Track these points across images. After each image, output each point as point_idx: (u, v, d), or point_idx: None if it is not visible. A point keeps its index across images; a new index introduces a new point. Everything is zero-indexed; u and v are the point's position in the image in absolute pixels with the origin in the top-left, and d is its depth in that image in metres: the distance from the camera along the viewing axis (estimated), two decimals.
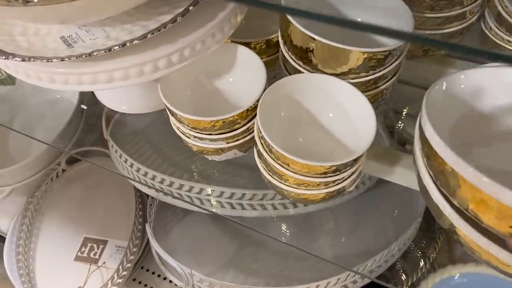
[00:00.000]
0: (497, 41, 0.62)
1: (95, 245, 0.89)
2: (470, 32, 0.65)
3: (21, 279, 0.84)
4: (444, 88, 0.47)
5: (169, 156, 0.71)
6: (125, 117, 0.74)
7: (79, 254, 0.88)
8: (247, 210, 0.65)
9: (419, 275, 0.66)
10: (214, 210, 0.63)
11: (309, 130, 0.54)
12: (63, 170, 0.98)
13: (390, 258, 0.65)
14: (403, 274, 0.67)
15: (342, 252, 0.66)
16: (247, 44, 0.58)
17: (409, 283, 0.66)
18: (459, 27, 0.63)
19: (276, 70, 0.67)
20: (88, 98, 0.88)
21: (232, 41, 0.58)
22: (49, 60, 0.44)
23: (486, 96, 0.51)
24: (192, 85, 0.57)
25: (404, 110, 0.77)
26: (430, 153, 0.40)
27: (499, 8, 0.59)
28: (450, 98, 0.48)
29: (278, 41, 0.61)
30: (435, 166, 0.39)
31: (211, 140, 0.52)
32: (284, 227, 0.69)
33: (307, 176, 0.46)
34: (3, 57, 0.45)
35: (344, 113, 0.52)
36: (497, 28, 0.62)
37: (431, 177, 0.41)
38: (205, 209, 0.63)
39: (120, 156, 0.70)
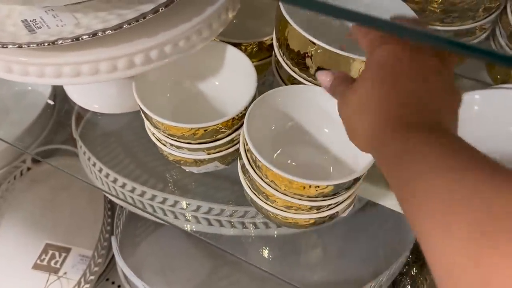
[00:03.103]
0: None
1: (57, 253, 0.81)
2: None
3: None
4: None
5: (143, 162, 0.64)
6: (97, 117, 0.67)
7: (38, 261, 0.80)
8: (226, 228, 0.59)
9: None
10: (188, 227, 0.57)
11: (302, 146, 0.49)
12: (28, 169, 0.90)
13: None
14: None
15: (326, 279, 0.60)
16: (237, 46, 0.52)
17: None
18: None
19: (266, 76, 0.61)
20: (62, 92, 0.81)
21: (221, 41, 0.52)
22: (4, 46, 0.38)
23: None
24: (173, 87, 0.51)
25: None
26: None
27: None
28: None
29: (271, 45, 0.55)
30: None
31: (190, 149, 0.46)
32: (264, 248, 0.63)
33: (299, 199, 0.40)
34: None
35: (341, 130, 0.46)
36: (508, 47, 0.57)
37: None
38: (178, 225, 0.56)
39: (89, 159, 0.63)
